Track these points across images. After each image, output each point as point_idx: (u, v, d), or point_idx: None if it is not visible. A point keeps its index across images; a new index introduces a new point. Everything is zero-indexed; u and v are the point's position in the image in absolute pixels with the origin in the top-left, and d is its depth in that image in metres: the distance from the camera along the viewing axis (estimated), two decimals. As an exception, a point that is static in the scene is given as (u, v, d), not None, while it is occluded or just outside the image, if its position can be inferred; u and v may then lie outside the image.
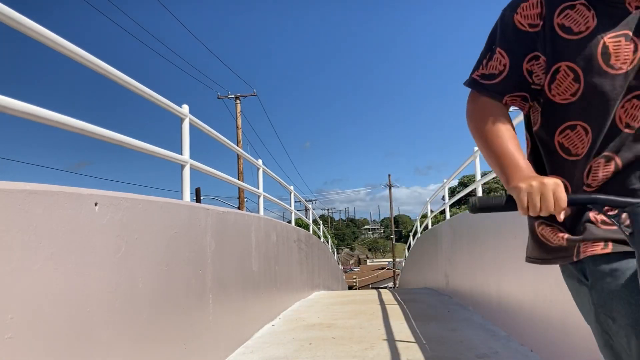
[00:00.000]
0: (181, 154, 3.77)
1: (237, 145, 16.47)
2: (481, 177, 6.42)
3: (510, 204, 1.08)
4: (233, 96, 22.44)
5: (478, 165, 6.40)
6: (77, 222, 1.84)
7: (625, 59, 1.10)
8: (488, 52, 1.23)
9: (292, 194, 9.36)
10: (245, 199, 22.07)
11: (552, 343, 3.07)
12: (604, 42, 1.11)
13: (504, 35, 1.20)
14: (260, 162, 6.91)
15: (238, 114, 22.25)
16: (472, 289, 5.50)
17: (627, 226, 1.01)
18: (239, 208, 20.91)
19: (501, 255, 4.20)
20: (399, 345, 3.85)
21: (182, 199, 3.73)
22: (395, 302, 6.50)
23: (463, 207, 35.03)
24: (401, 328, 4.58)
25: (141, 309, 2.31)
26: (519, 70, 1.19)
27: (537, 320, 3.30)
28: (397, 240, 54.90)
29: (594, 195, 1.07)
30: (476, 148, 6.23)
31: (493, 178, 6.10)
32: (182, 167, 3.78)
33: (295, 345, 4.00)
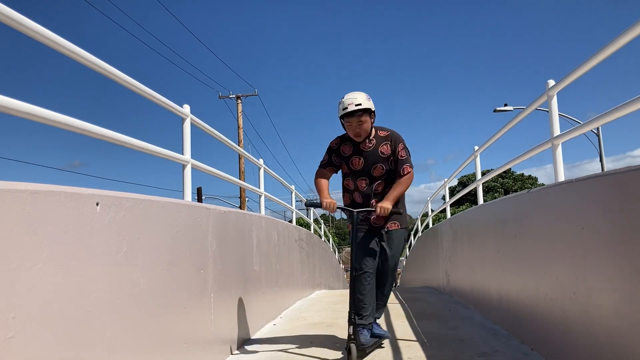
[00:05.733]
0: (182, 153, 3.77)
1: (239, 145, 16.42)
2: (481, 176, 6.41)
3: (321, 204, 3.47)
4: (234, 96, 22.44)
5: (478, 165, 6.39)
6: (78, 222, 1.84)
7: (357, 165, 3.59)
8: (325, 155, 3.69)
9: (293, 193, 9.36)
10: (247, 199, 22.06)
11: (552, 342, 3.07)
12: (351, 160, 3.60)
13: (328, 149, 3.68)
14: (261, 161, 6.91)
15: (239, 114, 22.23)
16: (473, 288, 5.50)
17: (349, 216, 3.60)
18: (240, 207, 20.91)
19: (502, 254, 4.20)
20: (400, 344, 3.85)
21: (183, 198, 3.73)
22: (396, 301, 6.50)
23: (463, 206, 35.02)
24: (402, 327, 4.58)
25: (142, 309, 2.32)
26: (330, 159, 3.67)
27: (538, 319, 3.30)
28: (398, 240, 54.74)
29: (342, 206, 3.59)
30: (476, 147, 6.23)
31: (492, 177, 6.08)
32: (184, 166, 3.78)
33: (296, 344, 4.00)
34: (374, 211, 3.38)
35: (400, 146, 3.48)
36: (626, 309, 2.19)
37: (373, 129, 3.52)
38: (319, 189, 3.54)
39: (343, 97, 3.39)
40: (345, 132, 3.55)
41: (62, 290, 1.72)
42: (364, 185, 3.56)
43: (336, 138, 3.65)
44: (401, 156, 3.47)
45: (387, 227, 3.57)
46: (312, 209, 10.10)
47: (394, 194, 3.42)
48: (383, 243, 3.53)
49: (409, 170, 3.49)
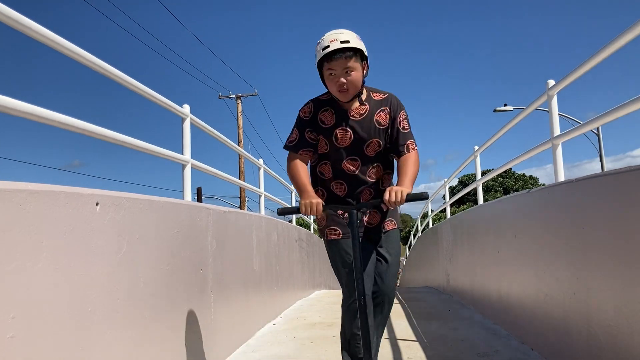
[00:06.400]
0: (182, 153, 3.77)
1: (239, 145, 16.43)
2: (481, 176, 6.41)
3: (299, 210, 2.20)
4: (234, 96, 22.43)
5: (478, 165, 6.40)
6: (78, 222, 1.84)
7: (344, 140, 2.38)
8: (293, 130, 2.44)
9: (293, 193, 9.36)
10: (247, 199, 22.07)
11: (552, 342, 3.07)
12: (335, 133, 2.38)
13: (298, 121, 2.43)
14: (261, 161, 6.92)
15: (239, 114, 22.23)
16: (473, 288, 5.50)
17: (345, 219, 2.37)
18: (240, 207, 20.92)
19: (502, 254, 4.20)
20: (400, 344, 3.85)
21: (183, 198, 3.73)
22: (396, 301, 6.50)
23: (463, 206, 35.02)
24: (402, 327, 4.59)
25: (142, 309, 2.32)
26: (303, 136, 2.41)
27: (538, 319, 3.30)
28: (398, 239, 54.80)
29: (334, 205, 2.38)
30: (476, 147, 6.23)
31: (493, 177, 6.10)
32: (183, 166, 3.78)
33: (296, 344, 4.00)
34: (381, 203, 2.21)
35: (403, 114, 2.44)
36: (626, 309, 2.19)
37: (365, 90, 2.41)
38: (297, 184, 2.36)
39: (323, 36, 2.28)
40: (324, 94, 2.44)
41: (62, 290, 1.72)
42: (352, 169, 2.41)
43: (308, 103, 2.43)
44: (404, 127, 2.42)
45: (385, 227, 2.51)
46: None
47: (409, 175, 2.30)
48: (381, 249, 2.49)
49: (415, 148, 2.43)
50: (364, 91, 2.41)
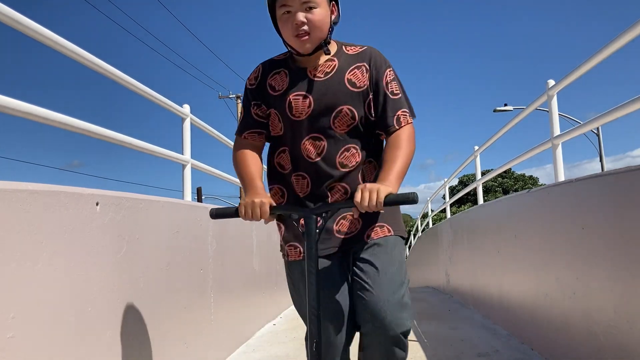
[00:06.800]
0: (182, 153, 3.77)
1: (238, 145, 16.40)
2: (481, 176, 6.42)
3: (237, 213, 1.56)
4: (234, 96, 22.45)
5: (478, 165, 6.40)
6: (78, 222, 1.84)
7: (301, 110, 1.63)
8: (241, 107, 1.80)
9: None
10: (246, 199, 22.03)
11: (552, 341, 3.07)
12: (289, 101, 1.64)
13: (245, 94, 1.75)
14: (261, 161, 6.91)
15: (239, 114, 22.23)
16: (473, 288, 5.50)
17: (301, 227, 1.51)
18: (239, 207, 20.77)
19: (502, 254, 4.20)
20: (400, 344, 3.86)
21: (183, 198, 3.73)
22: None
23: (463, 206, 35.04)
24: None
25: (142, 309, 2.32)
26: (249, 113, 1.73)
27: (538, 319, 3.30)
28: (398, 239, 54.72)
29: (285, 206, 1.68)
30: (476, 147, 6.23)
31: (492, 178, 6.11)
32: (183, 166, 3.78)
33: (296, 344, 4.00)
34: (351, 206, 1.47)
35: (390, 73, 1.66)
36: (626, 309, 2.19)
37: (334, 43, 1.70)
38: (241, 177, 1.70)
39: None
40: (282, 53, 1.75)
41: (62, 290, 1.72)
42: (314, 154, 1.64)
43: (256, 67, 1.74)
44: (393, 92, 1.65)
45: (369, 235, 1.66)
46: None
47: (397, 165, 1.55)
48: (362, 258, 1.63)
49: (409, 121, 1.64)
50: (334, 45, 1.68)
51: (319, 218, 1.49)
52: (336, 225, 1.65)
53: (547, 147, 3.83)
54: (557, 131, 3.73)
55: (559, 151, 3.69)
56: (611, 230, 2.31)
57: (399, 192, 1.46)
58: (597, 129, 17.00)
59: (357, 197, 1.41)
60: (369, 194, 1.40)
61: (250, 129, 1.72)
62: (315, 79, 1.63)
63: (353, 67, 1.64)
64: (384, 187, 1.42)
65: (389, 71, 1.65)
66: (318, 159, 1.63)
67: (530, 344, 3.52)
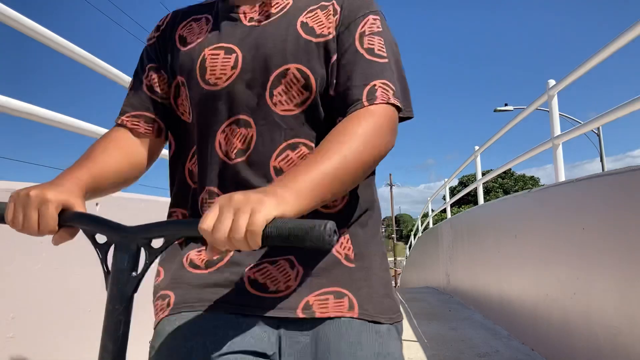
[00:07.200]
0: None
1: (238, 145, 16.39)
2: (482, 176, 6.42)
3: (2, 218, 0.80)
4: (234, 96, 22.40)
5: (478, 165, 6.40)
6: (78, 222, 1.84)
7: (223, 74, 0.90)
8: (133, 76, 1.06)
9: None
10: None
11: (553, 342, 3.07)
12: (205, 57, 0.92)
13: (142, 55, 1.06)
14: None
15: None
16: (473, 288, 5.50)
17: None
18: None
19: (502, 254, 4.20)
20: (400, 344, 3.86)
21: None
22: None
23: (463, 206, 35.04)
24: (402, 327, 4.59)
25: (142, 309, 2.32)
26: (139, 86, 1.01)
27: (538, 320, 3.30)
28: (398, 239, 54.97)
29: (86, 214, 0.85)
30: (477, 147, 6.23)
31: (492, 178, 6.11)
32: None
33: None
34: (194, 235, 0.66)
35: (372, 22, 0.92)
36: (626, 309, 2.19)
37: None
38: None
39: None
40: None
41: (61, 291, 1.72)
42: (236, 149, 0.90)
43: (165, 16, 1.07)
44: (370, 49, 0.89)
45: (309, 306, 0.85)
46: None
47: (325, 166, 0.73)
48: None
49: (391, 99, 0.84)
50: None
51: (141, 247, 0.73)
52: (250, 270, 0.87)
53: (548, 147, 3.83)
54: (557, 131, 3.73)
55: (560, 151, 3.69)
56: (612, 230, 2.31)
57: (301, 219, 0.63)
58: (598, 129, 17.00)
59: (206, 219, 0.63)
60: (233, 213, 0.62)
61: (135, 111, 1.00)
62: (250, 23, 0.94)
63: (315, 6, 0.95)
64: (271, 201, 0.64)
65: (373, 18, 0.93)
66: (240, 159, 0.89)
67: (530, 344, 3.52)
